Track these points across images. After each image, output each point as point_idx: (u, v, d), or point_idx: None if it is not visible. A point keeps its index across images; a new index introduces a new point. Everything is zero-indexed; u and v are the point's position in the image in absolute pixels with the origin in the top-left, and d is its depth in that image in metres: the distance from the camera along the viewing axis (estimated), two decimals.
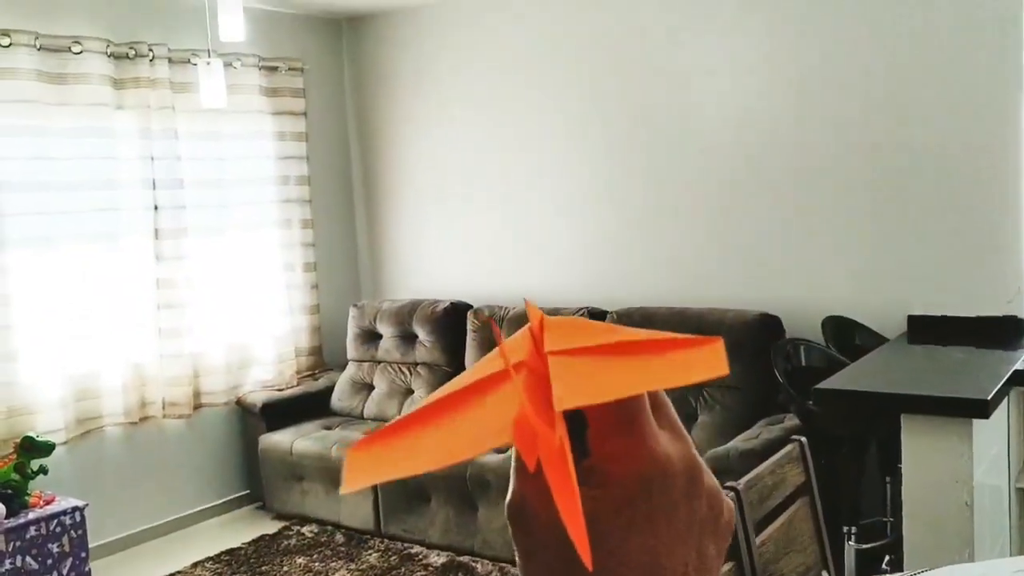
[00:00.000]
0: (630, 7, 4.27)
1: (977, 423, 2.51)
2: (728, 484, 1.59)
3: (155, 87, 4.21)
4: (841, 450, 3.09)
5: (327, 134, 5.24)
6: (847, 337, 3.64)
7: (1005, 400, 2.80)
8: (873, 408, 2.76)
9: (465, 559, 3.88)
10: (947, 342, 3.42)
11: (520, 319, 4.40)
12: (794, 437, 1.80)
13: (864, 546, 3.17)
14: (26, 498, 3.51)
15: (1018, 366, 2.86)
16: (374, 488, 4.15)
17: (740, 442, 3.37)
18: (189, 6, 4.41)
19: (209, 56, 3.65)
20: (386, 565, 3.89)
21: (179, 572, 3.95)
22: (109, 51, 4.04)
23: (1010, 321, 3.40)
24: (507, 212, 4.80)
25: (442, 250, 5.09)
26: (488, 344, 4.48)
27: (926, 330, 3.57)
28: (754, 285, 4.06)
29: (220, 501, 4.65)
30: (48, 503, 3.59)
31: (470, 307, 4.69)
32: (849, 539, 3.16)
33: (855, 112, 3.76)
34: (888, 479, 3.34)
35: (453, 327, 4.64)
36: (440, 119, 4.99)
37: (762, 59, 3.95)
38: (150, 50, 4.18)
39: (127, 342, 4.18)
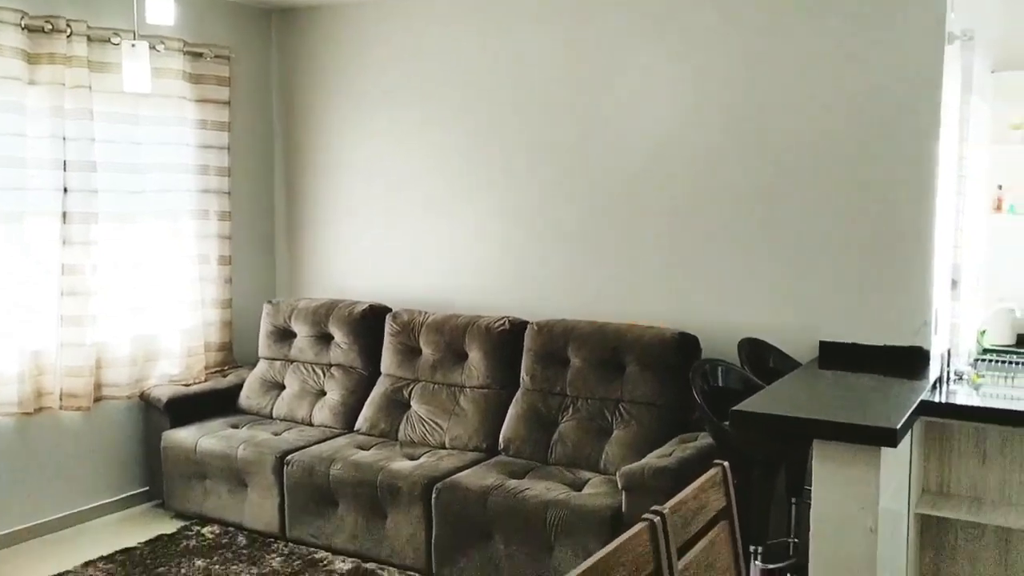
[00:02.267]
0: (564, 26, 4.28)
1: (885, 451, 2.58)
2: (653, 508, 1.59)
3: (71, 64, 4.02)
4: (752, 471, 3.14)
5: (251, 125, 5.10)
6: (761, 359, 3.72)
7: (910, 429, 2.90)
8: (787, 432, 2.82)
9: (371, 566, 3.81)
10: (857, 369, 3.53)
11: (439, 325, 4.36)
12: (716, 461, 1.81)
13: (770, 566, 3.23)
14: None
15: (924, 396, 2.97)
16: (280, 490, 4.05)
17: (654, 459, 3.40)
18: None
19: (135, 38, 3.50)
20: (289, 570, 3.79)
21: (69, 572, 3.78)
22: (23, 23, 3.85)
23: (916, 352, 3.53)
24: (431, 216, 4.76)
25: (363, 251, 5.01)
26: (406, 350, 4.43)
27: (837, 356, 3.67)
28: (673, 304, 4.11)
29: (117, 498, 4.47)
30: None
31: (389, 310, 4.63)
32: (755, 558, 3.22)
33: (776, 142, 3.85)
34: (794, 500, 3.42)
35: (371, 330, 4.57)
36: (367, 118, 4.92)
37: (687, 87, 4.01)
38: (68, 25, 4.00)
39: (25, 328, 3.98)
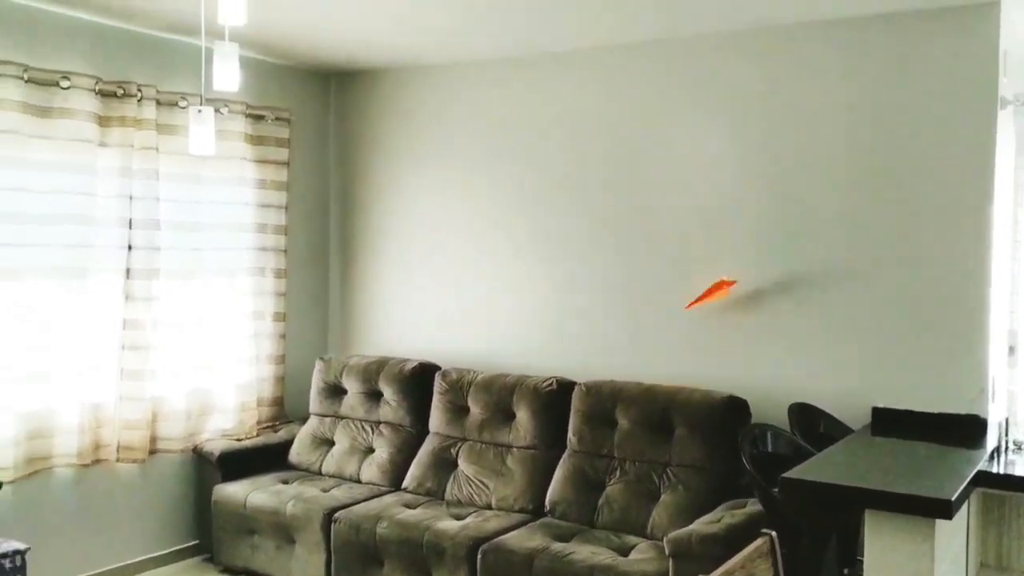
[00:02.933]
0: (608, 87, 4.36)
1: (940, 523, 2.53)
2: None
3: (140, 127, 4.20)
4: (803, 540, 3.08)
5: (308, 185, 5.25)
6: (812, 424, 3.67)
7: (966, 500, 2.83)
8: (838, 501, 2.77)
9: None
10: (911, 436, 3.46)
11: (487, 384, 4.38)
12: (764, 531, 1.80)
13: None
14: None
15: (981, 466, 2.90)
16: (327, 547, 4.06)
17: (702, 525, 3.35)
18: (182, 50, 4.44)
19: (201, 102, 3.66)
20: None
21: None
22: (97, 88, 4.03)
23: (973, 420, 3.45)
24: (480, 276, 4.82)
25: (413, 309, 5.08)
26: (454, 409, 4.46)
27: (890, 423, 3.61)
28: (723, 366, 4.09)
29: (167, 551, 4.52)
30: None
31: (438, 368, 4.67)
32: None
33: (830, 206, 3.85)
34: (846, 572, 3.34)
35: (420, 388, 4.60)
36: (418, 179, 5.03)
37: (734, 147, 4.05)
38: (139, 90, 4.18)
39: (87, 381, 4.09)
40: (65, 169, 3.95)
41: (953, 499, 2.48)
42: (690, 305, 4.04)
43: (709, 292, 3.97)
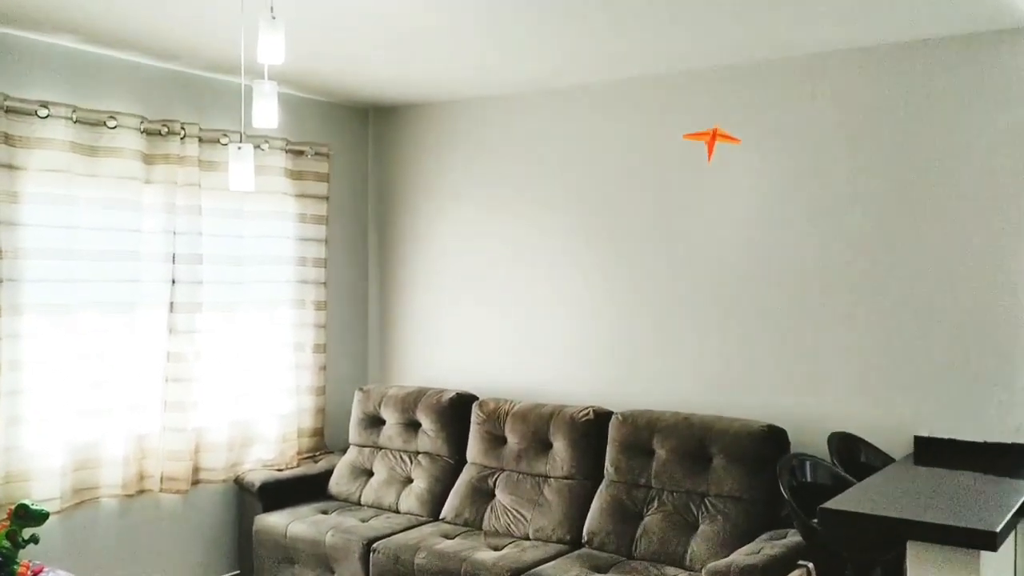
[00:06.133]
0: (642, 123, 4.38)
1: (985, 555, 2.48)
2: None
3: (183, 164, 4.31)
4: (844, 572, 3.03)
5: (347, 218, 5.33)
6: (852, 454, 3.62)
7: (1012, 531, 2.77)
8: (879, 532, 2.73)
9: None
10: (954, 466, 3.40)
11: (524, 414, 4.39)
12: (801, 563, 1.78)
13: None
14: (15, 567, 3.46)
15: None
16: (366, 574, 4.08)
17: (742, 556, 3.31)
18: (223, 89, 4.56)
19: (241, 139, 3.75)
20: None
21: None
22: (143, 127, 4.15)
23: (1018, 449, 3.39)
24: (517, 307, 4.84)
25: (451, 340, 5.11)
26: (492, 439, 4.47)
27: (933, 452, 3.55)
28: (761, 395, 4.06)
29: None
30: (36, 574, 3.53)
31: (475, 399, 4.69)
32: None
33: (870, 234, 3.82)
34: None
35: (458, 418, 4.63)
36: (455, 212, 5.08)
37: (779, 177, 4.04)
38: (182, 128, 4.30)
39: (132, 413, 4.18)
40: (112, 206, 4.06)
41: (998, 530, 2.43)
42: (686, 136, 4.05)
43: (704, 136, 4.02)
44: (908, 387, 3.71)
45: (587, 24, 3.57)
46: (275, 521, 4.42)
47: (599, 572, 3.65)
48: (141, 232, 4.18)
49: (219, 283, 4.53)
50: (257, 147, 4.59)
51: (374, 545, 4.08)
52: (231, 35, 3.71)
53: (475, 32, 3.72)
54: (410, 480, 4.63)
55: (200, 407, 4.43)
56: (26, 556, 3.58)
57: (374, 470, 4.76)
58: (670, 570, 3.67)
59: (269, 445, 4.78)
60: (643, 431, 4.04)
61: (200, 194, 4.39)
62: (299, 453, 4.92)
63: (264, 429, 4.77)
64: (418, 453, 4.69)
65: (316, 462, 4.96)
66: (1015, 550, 2.93)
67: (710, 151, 4.00)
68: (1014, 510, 2.67)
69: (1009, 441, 3.44)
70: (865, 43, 3.77)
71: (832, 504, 2.72)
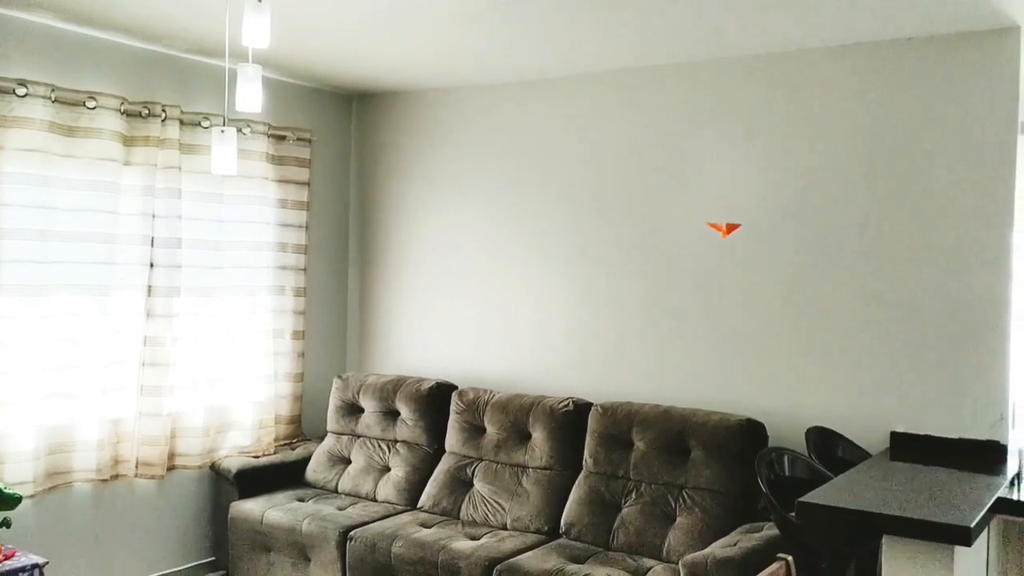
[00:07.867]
0: (634, 109, 4.38)
1: (959, 550, 2.50)
2: None
3: (164, 147, 4.26)
4: (820, 565, 3.06)
5: (328, 205, 5.29)
6: (830, 448, 3.65)
7: (986, 527, 2.80)
8: (856, 526, 2.75)
9: None
10: (929, 462, 3.43)
11: (503, 405, 4.39)
12: (780, 556, 1.79)
13: None
14: None
15: (1001, 493, 2.88)
16: (342, 566, 4.07)
17: (719, 548, 3.33)
18: (206, 71, 4.51)
19: (224, 123, 3.71)
20: None
21: None
22: (123, 108, 4.10)
23: (992, 446, 3.43)
24: (498, 297, 4.83)
25: (431, 328, 5.10)
26: (470, 428, 4.46)
27: (909, 448, 3.59)
28: (740, 389, 4.08)
29: (183, 567, 4.54)
30: (7, 558, 3.49)
31: (455, 388, 4.68)
32: None
33: (851, 231, 3.84)
34: None
35: (437, 407, 4.62)
36: (438, 201, 5.06)
37: (754, 170, 4.05)
38: (163, 110, 4.24)
39: (108, 397, 4.13)
40: (90, 188, 4.01)
41: (972, 526, 2.46)
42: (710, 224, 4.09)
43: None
44: (885, 383, 3.75)
45: (572, 15, 3.56)
46: (251, 508, 4.40)
47: (576, 563, 3.66)
48: (119, 214, 4.13)
49: (198, 267, 4.49)
50: (239, 131, 4.55)
51: (351, 533, 4.07)
52: (216, 17, 3.67)
53: (460, 20, 3.70)
54: (388, 469, 4.62)
55: (177, 392, 4.39)
56: None
57: (352, 458, 4.74)
58: (647, 561, 3.69)
59: (246, 431, 4.75)
60: (622, 423, 4.05)
61: (180, 177, 4.34)
62: (276, 440, 4.90)
63: (241, 415, 4.74)
64: (396, 442, 4.68)
65: (293, 449, 4.93)
66: (988, 545, 2.97)
67: (725, 234, 4.03)
68: (988, 506, 2.70)
69: (984, 438, 3.48)
70: (851, 39, 3.78)
71: (810, 498, 2.74)
